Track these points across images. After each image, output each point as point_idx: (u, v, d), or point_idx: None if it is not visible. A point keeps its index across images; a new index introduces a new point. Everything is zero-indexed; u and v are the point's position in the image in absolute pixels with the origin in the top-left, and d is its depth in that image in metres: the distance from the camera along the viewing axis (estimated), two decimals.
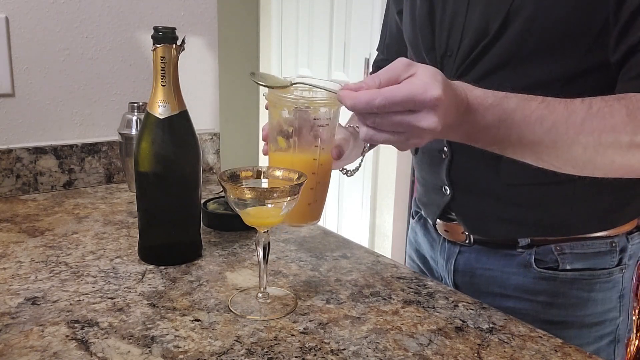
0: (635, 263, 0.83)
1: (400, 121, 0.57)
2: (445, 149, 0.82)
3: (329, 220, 2.96)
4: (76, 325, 0.63)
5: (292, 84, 0.71)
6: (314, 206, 0.75)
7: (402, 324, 0.66)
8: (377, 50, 1.09)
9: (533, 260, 0.80)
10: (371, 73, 0.99)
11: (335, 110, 0.71)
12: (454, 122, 0.60)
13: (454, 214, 0.87)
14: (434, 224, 0.92)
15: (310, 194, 0.73)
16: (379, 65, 1.05)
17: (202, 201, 0.98)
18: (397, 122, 0.57)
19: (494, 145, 0.65)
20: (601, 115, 0.61)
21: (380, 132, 0.59)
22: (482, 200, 0.83)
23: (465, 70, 0.76)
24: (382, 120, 0.57)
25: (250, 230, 0.92)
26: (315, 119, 0.70)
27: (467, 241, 0.86)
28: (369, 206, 2.73)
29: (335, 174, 0.79)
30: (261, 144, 0.80)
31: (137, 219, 0.82)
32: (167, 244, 0.81)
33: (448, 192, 0.86)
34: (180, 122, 0.78)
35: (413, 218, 1.03)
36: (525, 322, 0.68)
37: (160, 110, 0.76)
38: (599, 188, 0.75)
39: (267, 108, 0.73)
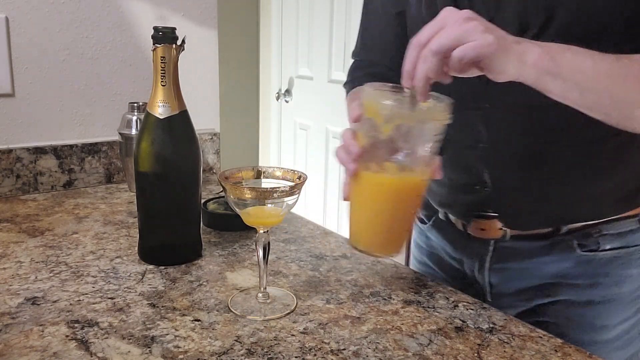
0: None
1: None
2: (481, 145, 0.81)
3: (329, 220, 2.96)
4: (76, 325, 0.63)
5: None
6: (407, 235, 0.71)
7: (402, 324, 0.66)
8: (353, 56, 1.02)
9: (575, 245, 0.82)
10: (350, 82, 0.97)
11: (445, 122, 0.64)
12: (506, 36, 0.62)
13: (490, 210, 0.85)
14: (465, 224, 0.89)
15: (411, 219, 0.68)
16: (357, 66, 0.99)
17: (202, 201, 0.98)
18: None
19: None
20: None
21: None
22: (521, 194, 0.83)
23: None
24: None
25: (250, 230, 0.92)
26: (435, 134, 0.64)
27: (503, 237, 0.85)
28: None
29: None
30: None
31: (137, 219, 0.82)
32: (167, 244, 0.81)
33: (485, 189, 0.84)
34: (180, 122, 0.78)
35: (424, 223, 1.00)
36: (568, 305, 0.74)
37: (160, 110, 0.76)
38: (623, 175, 0.80)
39: (356, 121, 0.66)
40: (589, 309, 0.82)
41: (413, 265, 1.05)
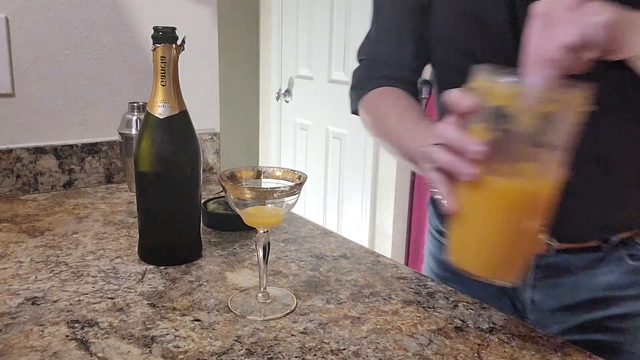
0: None
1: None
2: None
3: (329, 220, 2.96)
4: (76, 325, 0.63)
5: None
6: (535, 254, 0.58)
7: (402, 324, 0.66)
8: (358, 55, 0.95)
9: (625, 256, 0.78)
10: (359, 87, 0.91)
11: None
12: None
13: None
14: None
15: (538, 236, 0.56)
16: (367, 68, 0.92)
17: (202, 201, 0.98)
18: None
19: None
20: None
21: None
22: (568, 205, 0.72)
23: None
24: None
25: (250, 230, 0.92)
26: (576, 125, 0.52)
27: (548, 251, 0.80)
28: (369, 206, 2.73)
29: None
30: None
31: (137, 219, 0.82)
32: (167, 244, 0.81)
33: None
34: (180, 122, 0.78)
35: (442, 234, 0.93)
36: (622, 318, 0.71)
37: (160, 110, 0.76)
38: None
39: (472, 111, 0.53)
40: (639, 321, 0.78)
41: (432, 276, 0.98)
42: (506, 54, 0.66)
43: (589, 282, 0.80)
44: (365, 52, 0.94)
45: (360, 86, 0.90)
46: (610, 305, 0.80)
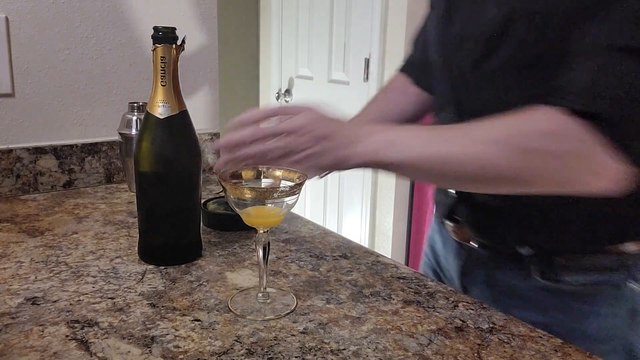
0: None
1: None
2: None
3: (329, 220, 2.96)
4: (76, 325, 0.63)
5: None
6: None
7: (402, 324, 0.66)
8: (412, 44, 1.05)
9: (535, 271, 0.78)
10: (400, 69, 1.03)
11: None
12: (343, 126, 0.70)
13: (457, 216, 0.87)
14: (443, 223, 0.92)
15: None
16: (411, 61, 1.03)
17: (202, 201, 0.98)
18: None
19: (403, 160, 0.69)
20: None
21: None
22: (482, 208, 0.82)
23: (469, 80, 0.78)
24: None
25: (250, 230, 0.92)
26: None
27: (470, 243, 0.86)
28: (369, 206, 2.73)
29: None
30: None
31: (137, 219, 0.82)
32: (167, 244, 0.81)
33: (453, 194, 0.86)
34: (180, 122, 0.78)
35: (433, 215, 1.02)
36: (470, 298, 0.70)
37: (160, 110, 0.76)
38: (603, 204, 0.71)
39: None
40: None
41: (422, 259, 1.05)
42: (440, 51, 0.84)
43: (503, 282, 0.83)
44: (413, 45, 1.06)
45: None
46: (517, 312, 0.76)
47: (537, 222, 0.77)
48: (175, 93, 0.76)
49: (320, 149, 0.69)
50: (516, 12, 0.69)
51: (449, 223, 0.89)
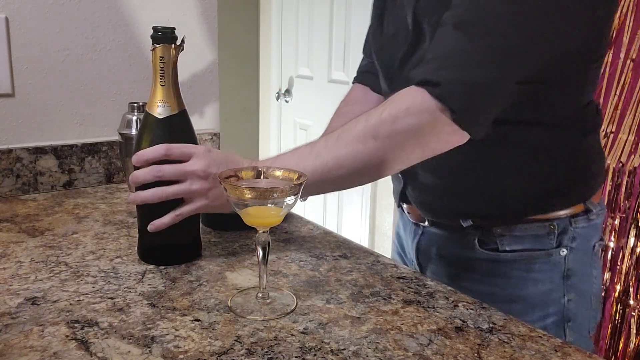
0: (588, 246, 0.87)
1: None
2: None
3: (329, 220, 2.96)
4: (76, 325, 0.63)
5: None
6: None
7: (402, 324, 0.66)
8: (363, 52, 1.12)
9: (476, 242, 0.86)
10: (353, 81, 1.11)
11: None
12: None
13: (408, 198, 0.95)
14: (400, 207, 1.00)
15: None
16: (363, 70, 1.11)
17: None
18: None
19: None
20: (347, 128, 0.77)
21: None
22: (425, 187, 0.90)
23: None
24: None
25: (250, 230, 0.92)
26: None
27: (424, 222, 0.93)
28: (369, 206, 2.73)
29: None
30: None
31: (136, 218, 0.82)
32: (167, 244, 0.81)
33: (401, 178, 0.94)
34: (179, 122, 0.78)
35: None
36: (474, 296, 0.72)
37: (159, 110, 0.76)
38: (530, 178, 0.82)
39: None
40: (493, 306, 0.83)
41: (392, 246, 1.15)
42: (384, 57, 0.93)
43: (452, 256, 0.90)
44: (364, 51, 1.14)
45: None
46: (466, 284, 0.85)
47: (473, 196, 0.85)
48: (174, 93, 0.76)
49: (212, 195, 0.76)
50: (420, 16, 0.81)
51: (404, 205, 0.97)
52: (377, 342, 0.61)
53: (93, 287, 0.73)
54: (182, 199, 0.77)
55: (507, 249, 0.84)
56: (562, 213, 0.84)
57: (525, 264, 0.84)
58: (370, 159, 0.74)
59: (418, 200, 0.93)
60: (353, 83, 1.11)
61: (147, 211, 0.79)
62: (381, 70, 0.94)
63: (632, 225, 1.64)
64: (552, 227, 0.83)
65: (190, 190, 0.75)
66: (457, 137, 0.73)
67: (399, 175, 0.94)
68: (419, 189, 0.91)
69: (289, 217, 1.02)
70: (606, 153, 1.68)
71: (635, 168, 1.63)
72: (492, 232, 0.84)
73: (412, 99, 0.72)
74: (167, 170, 0.75)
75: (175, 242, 0.81)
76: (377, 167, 0.75)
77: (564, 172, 0.84)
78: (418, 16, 0.82)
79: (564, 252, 0.84)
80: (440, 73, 0.71)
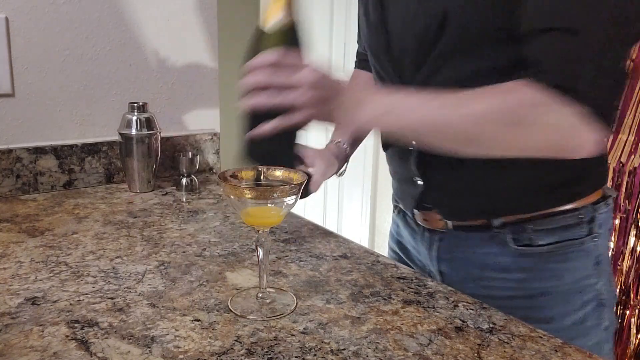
0: (607, 231, 0.88)
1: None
2: (413, 142, 0.87)
3: (329, 220, 2.96)
4: (76, 325, 0.63)
5: None
6: None
7: (402, 324, 0.66)
8: (357, 42, 1.13)
9: (509, 239, 0.84)
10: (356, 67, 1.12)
11: None
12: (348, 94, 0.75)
13: (427, 203, 0.91)
14: (412, 215, 0.95)
15: None
16: (360, 59, 1.12)
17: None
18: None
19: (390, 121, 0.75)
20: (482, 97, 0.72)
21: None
22: (451, 188, 0.87)
23: (418, 66, 0.83)
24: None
25: (250, 230, 0.92)
26: None
27: (445, 227, 0.90)
28: (369, 206, 2.73)
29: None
30: None
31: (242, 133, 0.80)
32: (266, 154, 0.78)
33: (420, 182, 0.89)
34: (290, 34, 0.76)
35: (394, 212, 1.07)
36: (510, 299, 0.73)
37: (272, 23, 0.75)
38: (551, 167, 0.80)
39: None
40: (529, 301, 0.83)
41: (388, 254, 1.10)
42: (382, 45, 0.88)
43: (482, 260, 0.87)
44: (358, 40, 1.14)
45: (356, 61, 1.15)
46: (499, 286, 0.85)
47: (503, 191, 0.84)
48: (287, 5, 0.75)
49: (323, 108, 0.73)
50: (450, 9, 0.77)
51: (418, 213, 0.93)
52: (377, 342, 0.61)
53: (93, 287, 0.73)
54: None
55: (542, 242, 0.84)
56: (587, 201, 0.84)
57: (561, 255, 0.84)
58: (492, 139, 0.72)
59: (442, 203, 0.89)
60: (358, 68, 1.12)
61: (253, 120, 0.77)
62: (385, 59, 0.90)
63: (632, 225, 1.64)
64: (580, 216, 0.84)
65: (299, 101, 0.72)
66: (579, 146, 0.71)
67: (417, 180, 0.90)
68: (444, 191, 0.88)
69: (289, 217, 1.02)
70: None
71: (635, 168, 1.63)
72: (523, 228, 0.84)
73: (545, 97, 0.69)
74: (278, 76, 0.73)
75: (274, 155, 0.77)
76: (488, 147, 0.73)
77: (581, 161, 0.82)
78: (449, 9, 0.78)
79: (595, 239, 0.85)
80: (569, 79, 0.68)
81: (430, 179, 0.89)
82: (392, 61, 0.88)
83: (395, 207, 1.05)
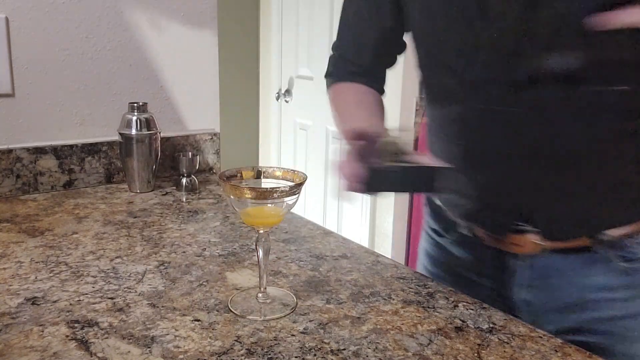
0: None
1: None
2: (509, 150, 0.79)
3: (329, 220, 2.96)
4: (76, 325, 0.63)
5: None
6: None
7: (402, 324, 0.66)
8: (332, 49, 1.02)
9: (616, 256, 0.79)
10: (332, 75, 1.01)
11: None
12: None
13: (522, 223, 0.82)
14: (498, 239, 0.85)
15: None
16: (338, 60, 1.00)
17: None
18: None
19: None
20: None
21: None
22: (554, 198, 0.79)
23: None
24: None
25: (250, 230, 0.92)
26: None
27: (541, 251, 0.82)
28: (369, 206, 2.73)
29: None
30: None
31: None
32: None
33: (516, 195, 0.81)
34: None
35: (440, 236, 0.96)
36: (614, 320, 0.73)
37: None
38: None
39: None
40: (635, 321, 0.79)
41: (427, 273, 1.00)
42: (475, 32, 0.75)
43: (580, 283, 0.81)
44: (336, 47, 1.02)
45: (333, 74, 1.02)
46: (600, 308, 0.80)
47: (612, 199, 0.78)
48: None
49: None
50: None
51: (511, 235, 0.83)
52: (377, 342, 0.61)
53: (93, 287, 0.73)
54: None
55: None
56: None
57: None
58: None
59: (549, 223, 0.80)
60: (351, 82, 0.98)
61: None
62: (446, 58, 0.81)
63: None
64: None
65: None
66: None
67: (517, 188, 0.80)
68: (547, 211, 0.80)
69: (289, 217, 1.02)
70: None
71: None
72: (626, 244, 0.79)
73: None
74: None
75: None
76: None
77: None
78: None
79: None
80: None
81: (530, 190, 0.80)
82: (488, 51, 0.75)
83: (447, 229, 0.93)
